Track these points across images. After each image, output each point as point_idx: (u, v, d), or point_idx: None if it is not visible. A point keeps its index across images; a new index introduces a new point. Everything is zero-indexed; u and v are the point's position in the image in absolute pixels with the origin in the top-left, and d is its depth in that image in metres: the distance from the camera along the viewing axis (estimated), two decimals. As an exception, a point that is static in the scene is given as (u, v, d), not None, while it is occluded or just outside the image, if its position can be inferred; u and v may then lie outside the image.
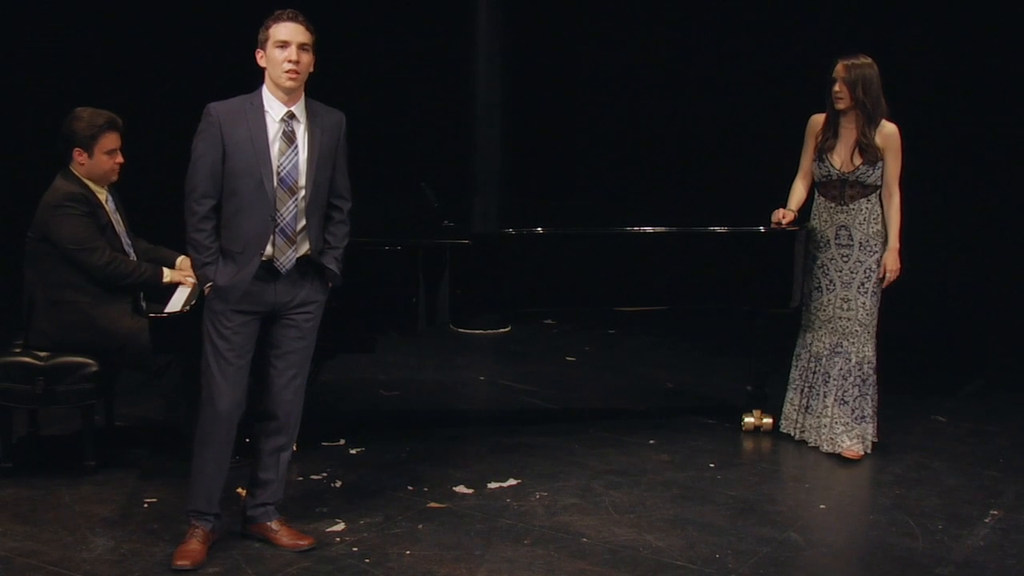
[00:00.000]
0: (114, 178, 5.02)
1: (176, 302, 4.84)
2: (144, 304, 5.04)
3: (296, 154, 4.07)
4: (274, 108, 4.06)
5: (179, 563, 4.08)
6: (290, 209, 4.08)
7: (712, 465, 5.29)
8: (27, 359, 4.86)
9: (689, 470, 5.22)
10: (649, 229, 5.50)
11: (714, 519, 4.66)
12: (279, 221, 4.06)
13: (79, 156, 4.93)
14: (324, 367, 5.30)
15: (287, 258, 4.10)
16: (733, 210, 5.78)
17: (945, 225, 7.81)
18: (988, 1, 7.96)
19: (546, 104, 8.96)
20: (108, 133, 4.94)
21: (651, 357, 7.31)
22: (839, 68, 5.23)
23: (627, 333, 7.83)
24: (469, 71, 7.71)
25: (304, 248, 4.15)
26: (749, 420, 5.74)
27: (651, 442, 5.58)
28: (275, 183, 4.04)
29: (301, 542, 4.28)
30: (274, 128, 4.06)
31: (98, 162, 4.94)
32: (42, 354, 4.87)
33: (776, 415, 5.73)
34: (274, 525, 4.30)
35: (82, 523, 4.46)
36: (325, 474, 5.04)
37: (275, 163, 4.04)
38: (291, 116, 4.08)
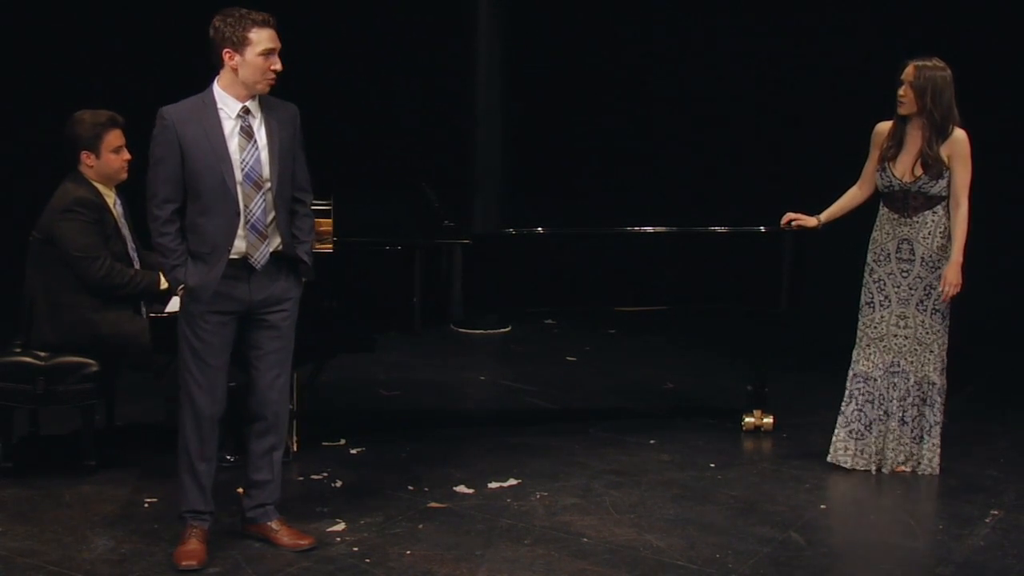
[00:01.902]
0: (124, 176, 5.02)
1: (176, 302, 4.83)
2: (144, 305, 5.04)
3: (256, 148, 4.05)
4: (228, 105, 4.03)
5: (186, 563, 4.07)
6: (258, 204, 4.06)
7: (712, 465, 5.28)
8: (27, 359, 4.86)
9: (689, 470, 5.22)
10: (649, 229, 5.50)
11: (714, 519, 4.66)
12: (249, 217, 4.04)
13: (87, 159, 4.94)
14: (324, 367, 5.31)
15: (261, 254, 4.08)
16: (736, 210, 5.79)
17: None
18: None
19: (546, 104, 8.95)
20: (111, 131, 4.95)
21: (651, 357, 7.30)
22: (909, 70, 4.94)
23: (627, 333, 7.83)
24: (469, 71, 7.71)
25: (276, 243, 4.13)
26: (749, 420, 5.74)
27: (651, 442, 5.58)
28: (239, 179, 4.02)
29: (301, 542, 4.27)
30: (230, 124, 4.03)
31: (106, 161, 4.95)
32: (42, 354, 4.87)
33: (777, 415, 5.73)
34: (274, 525, 4.30)
35: (82, 523, 4.46)
36: (325, 474, 5.04)
37: (236, 159, 4.01)
38: (246, 111, 4.05)
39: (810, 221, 5.41)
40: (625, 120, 9.09)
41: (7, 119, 8.39)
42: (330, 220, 5.17)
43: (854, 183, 5.30)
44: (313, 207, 5.34)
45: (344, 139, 9.07)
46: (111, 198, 5.00)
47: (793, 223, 5.44)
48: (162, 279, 4.97)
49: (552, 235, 5.44)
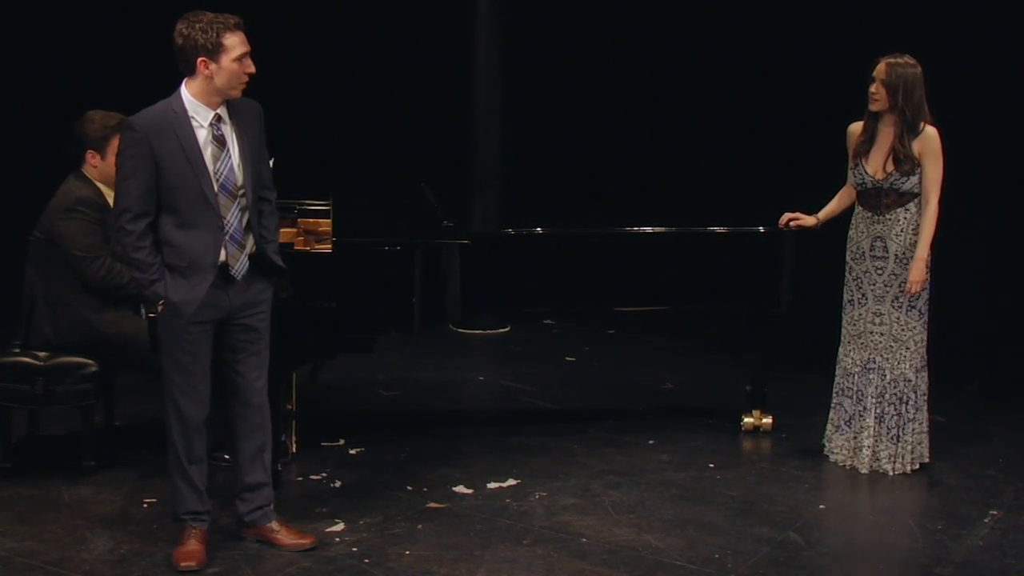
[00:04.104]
0: None
1: None
2: (143, 306, 5.03)
3: (229, 157, 4.00)
4: (200, 114, 3.97)
5: (185, 564, 4.07)
6: (235, 214, 4.02)
7: (712, 465, 5.29)
8: (27, 359, 4.86)
9: (689, 470, 5.22)
10: (649, 229, 5.50)
11: (714, 519, 4.66)
12: (227, 228, 4.00)
13: (92, 158, 4.94)
14: (324, 367, 5.31)
15: (241, 264, 4.06)
16: (735, 210, 5.78)
17: (942, 223, 7.75)
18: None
19: (546, 104, 8.96)
20: (120, 134, 4.94)
21: (651, 357, 7.30)
22: (880, 67, 4.99)
23: (627, 333, 7.82)
24: (469, 71, 7.71)
25: (250, 247, 4.11)
26: (749, 420, 5.74)
27: (651, 442, 5.58)
28: (216, 190, 3.97)
29: (302, 541, 4.28)
30: (202, 133, 3.97)
31: (111, 164, 4.94)
32: (42, 354, 4.87)
33: (776, 415, 5.73)
34: (274, 526, 4.30)
35: (82, 523, 4.46)
36: (325, 474, 5.04)
37: (211, 170, 3.97)
38: (218, 119, 4.00)
39: (809, 220, 5.42)
40: (625, 120, 9.09)
41: (8, 119, 8.40)
42: (330, 220, 5.16)
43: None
44: (313, 207, 5.38)
45: (344, 139, 9.08)
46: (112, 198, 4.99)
47: (792, 223, 5.45)
48: None
49: (552, 235, 5.44)
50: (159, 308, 4.02)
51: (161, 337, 4.08)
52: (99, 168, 4.95)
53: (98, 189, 4.94)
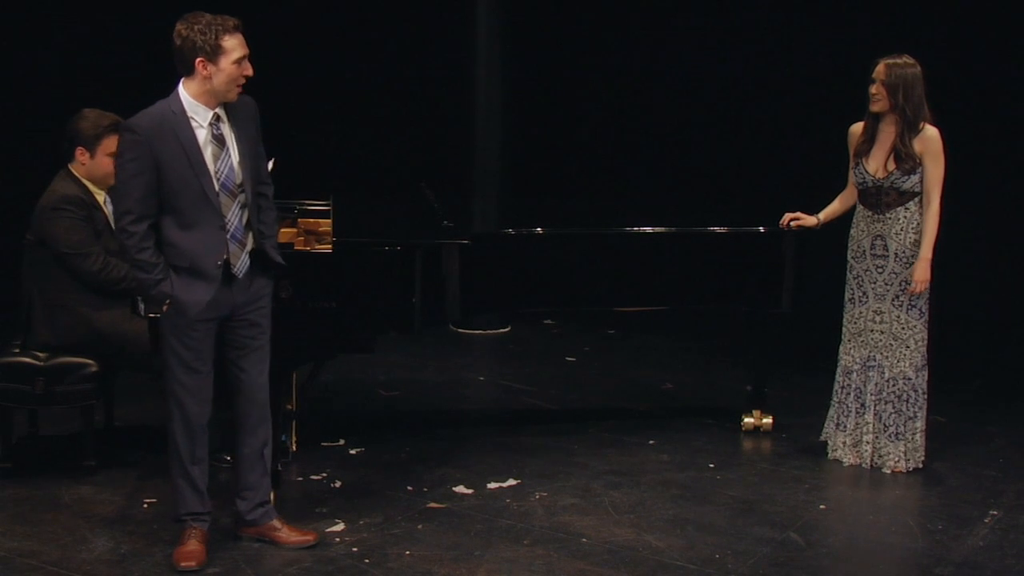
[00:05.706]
0: (112, 181, 5.02)
1: None
2: (142, 305, 5.03)
3: (229, 156, 4.01)
4: (199, 114, 3.97)
5: (186, 564, 4.07)
6: (235, 213, 4.03)
7: (712, 465, 5.29)
8: (27, 359, 4.86)
9: (689, 470, 5.22)
10: (649, 229, 5.50)
11: (714, 519, 4.66)
12: (228, 228, 4.01)
13: (81, 155, 4.95)
14: (324, 367, 5.31)
15: (241, 262, 4.07)
16: (735, 210, 5.78)
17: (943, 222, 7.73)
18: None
19: (546, 104, 8.95)
20: (111, 135, 4.94)
21: (651, 357, 7.30)
22: (880, 68, 5.04)
23: (627, 333, 7.83)
24: (469, 71, 7.71)
25: (250, 244, 4.11)
26: (749, 420, 5.74)
27: (651, 442, 5.59)
28: (217, 189, 3.98)
29: (305, 538, 4.29)
30: (202, 133, 3.97)
31: (99, 163, 4.95)
32: (42, 354, 4.87)
33: (776, 415, 5.74)
34: (276, 524, 4.30)
35: (82, 523, 4.47)
36: (325, 474, 5.04)
37: (212, 169, 3.97)
38: (217, 118, 4.00)
39: (810, 220, 5.43)
40: (625, 120, 9.09)
41: (4, 120, 8.39)
42: (330, 220, 5.16)
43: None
44: (313, 207, 5.38)
45: (344, 139, 9.07)
46: (101, 196, 4.99)
47: (793, 223, 5.45)
48: None
49: (552, 235, 5.44)
50: (164, 308, 4.02)
51: (165, 335, 4.07)
52: (87, 166, 4.95)
53: (84, 187, 4.94)
